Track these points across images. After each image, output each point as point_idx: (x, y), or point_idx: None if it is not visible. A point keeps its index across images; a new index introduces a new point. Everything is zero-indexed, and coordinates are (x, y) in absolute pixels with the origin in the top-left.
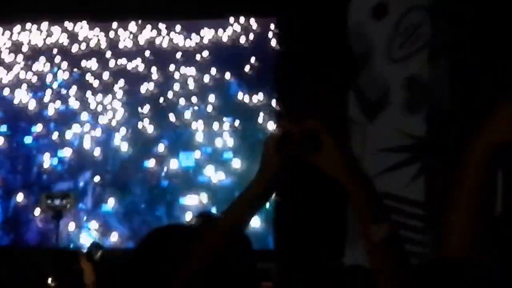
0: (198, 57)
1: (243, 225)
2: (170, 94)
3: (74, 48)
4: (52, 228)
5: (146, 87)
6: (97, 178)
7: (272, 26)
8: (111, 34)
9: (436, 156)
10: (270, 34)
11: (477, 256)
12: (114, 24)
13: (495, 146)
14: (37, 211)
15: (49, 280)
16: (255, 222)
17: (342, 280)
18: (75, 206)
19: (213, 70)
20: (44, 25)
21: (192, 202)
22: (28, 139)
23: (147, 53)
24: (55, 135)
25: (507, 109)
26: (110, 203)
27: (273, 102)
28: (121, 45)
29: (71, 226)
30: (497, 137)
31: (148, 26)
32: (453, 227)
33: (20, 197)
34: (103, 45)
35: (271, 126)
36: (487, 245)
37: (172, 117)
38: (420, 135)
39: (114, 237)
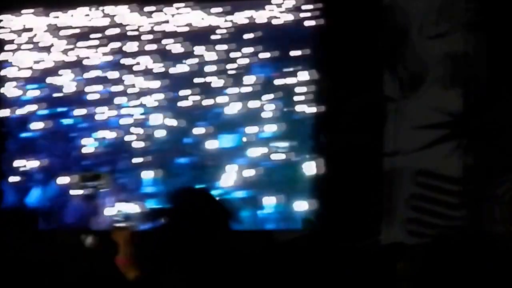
0: (236, 37)
1: None
2: (209, 75)
3: (114, 31)
4: (91, 210)
5: (185, 68)
6: (136, 160)
7: (310, 5)
8: (151, 16)
9: (473, 133)
10: (309, 13)
11: None
12: (153, 7)
13: None
14: (76, 193)
15: None
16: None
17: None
18: (109, 187)
19: (252, 50)
20: (85, 8)
21: (232, 183)
22: (68, 122)
23: (186, 34)
24: (95, 118)
25: None
26: (150, 184)
27: (312, 81)
28: (160, 27)
29: (110, 207)
30: None
31: (186, 8)
32: None
33: (60, 180)
34: (143, 27)
35: (310, 106)
36: None
37: (211, 97)
38: (457, 111)
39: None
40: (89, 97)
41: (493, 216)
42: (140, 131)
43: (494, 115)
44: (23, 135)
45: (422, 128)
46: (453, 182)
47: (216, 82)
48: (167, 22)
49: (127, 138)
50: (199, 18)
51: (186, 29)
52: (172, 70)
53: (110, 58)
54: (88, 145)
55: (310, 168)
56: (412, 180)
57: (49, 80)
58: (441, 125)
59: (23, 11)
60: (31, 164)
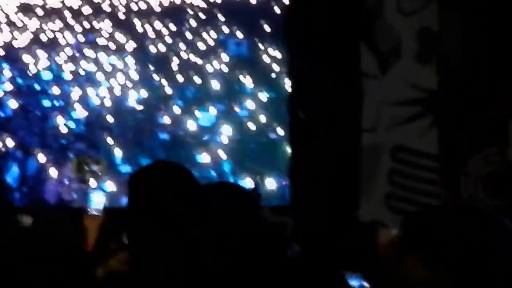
0: (211, 15)
1: None
2: (183, 54)
3: (87, 10)
4: (68, 188)
5: (159, 47)
6: (112, 138)
7: None
8: None
9: (449, 109)
10: None
11: None
12: None
13: None
14: (53, 172)
15: None
16: (272, 181)
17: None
18: (107, 172)
19: (226, 29)
20: None
21: (208, 159)
22: (43, 101)
23: (160, 13)
24: (70, 97)
25: None
26: (126, 163)
27: (288, 58)
28: (133, 6)
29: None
30: None
31: None
32: None
33: (37, 158)
34: (116, 6)
35: (285, 82)
36: None
37: (185, 75)
38: (432, 87)
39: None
40: (63, 75)
41: (469, 191)
42: (114, 110)
43: (468, 91)
44: None
45: (399, 104)
46: (430, 158)
47: (190, 60)
48: (140, 1)
49: (102, 117)
50: None
51: (159, 7)
52: (146, 49)
53: (82, 36)
54: (64, 123)
55: (287, 144)
56: (391, 156)
57: (22, 59)
58: (416, 101)
59: None
60: (8, 142)
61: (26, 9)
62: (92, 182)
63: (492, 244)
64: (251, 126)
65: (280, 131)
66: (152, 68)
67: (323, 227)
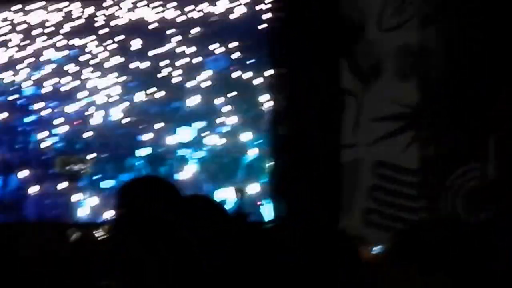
0: (192, 32)
1: None
2: (164, 70)
3: (69, 26)
4: (51, 203)
5: (141, 63)
6: (95, 155)
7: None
8: (105, 11)
9: (429, 124)
10: (263, 7)
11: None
12: (108, 1)
13: None
14: (34, 188)
15: None
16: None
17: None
18: (91, 171)
19: (208, 45)
20: (40, 4)
21: (189, 177)
22: (26, 118)
23: (141, 29)
24: (53, 113)
25: None
26: (108, 179)
27: (270, 75)
28: (115, 22)
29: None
30: None
31: (142, 2)
32: None
33: (19, 175)
34: (98, 22)
35: (266, 99)
36: None
37: (167, 92)
38: (413, 103)
39: (112, 213)
40: (45, 91)
41: (450, 207)
42: (97, 127)
43: (449, 106)
44: None
45: (379, 120)
46: (410, 173)
47: (172, 76)
48: (121, 17)
49: (84, 133)
50: (153, 13)
51: (141, 23)
52: (127, 65)
53: (65, 52)
54: (45, 139)
55: (268, 160)
56: (371, 172)
57: (5, 75)
58: (398, 117)
59: None
60: None
61: (8, 26)
62: (76, 180)
63: (491, 245)
64: (232, 142)
65: (262, 147)
66: (134, 85)
67: (306, 242)
